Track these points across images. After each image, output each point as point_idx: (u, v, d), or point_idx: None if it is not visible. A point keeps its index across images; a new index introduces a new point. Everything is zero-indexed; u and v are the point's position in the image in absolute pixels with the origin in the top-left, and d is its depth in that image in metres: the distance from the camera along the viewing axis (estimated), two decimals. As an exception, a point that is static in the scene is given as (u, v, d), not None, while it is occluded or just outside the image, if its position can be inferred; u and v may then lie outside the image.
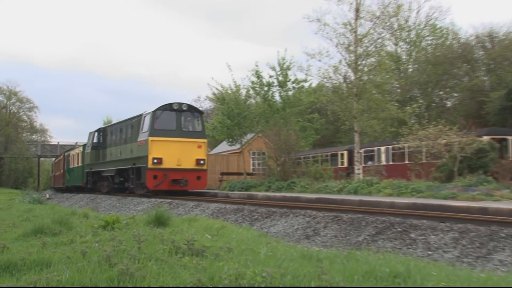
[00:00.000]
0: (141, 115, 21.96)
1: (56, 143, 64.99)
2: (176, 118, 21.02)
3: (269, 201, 16.93)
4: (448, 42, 41.80)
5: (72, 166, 36.41)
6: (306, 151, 35.56)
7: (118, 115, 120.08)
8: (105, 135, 27.45)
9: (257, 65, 33.83)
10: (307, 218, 12.15)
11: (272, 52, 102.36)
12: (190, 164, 20.86)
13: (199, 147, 21.16)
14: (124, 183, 24.23)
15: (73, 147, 42.21)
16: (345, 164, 33.96)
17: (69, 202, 29.44)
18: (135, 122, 22.68)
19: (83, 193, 31.41)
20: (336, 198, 15.70)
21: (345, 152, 34.45)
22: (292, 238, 11.14)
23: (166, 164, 20.43)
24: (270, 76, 33.53)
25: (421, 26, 43.67)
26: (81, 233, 8.26)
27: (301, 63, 45.28)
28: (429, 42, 43.65)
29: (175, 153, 20.58)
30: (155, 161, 20.22)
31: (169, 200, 19.11)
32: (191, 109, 21.85)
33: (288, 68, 33.20)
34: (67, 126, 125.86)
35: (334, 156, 35.54)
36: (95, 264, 5.20)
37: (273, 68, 33.45)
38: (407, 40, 43.55)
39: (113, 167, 24.78)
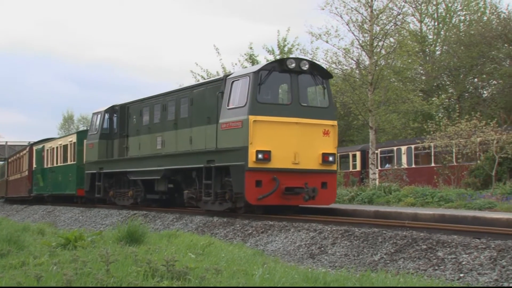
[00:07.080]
0: (220, 80, 16.90)
1: (4, 143, 64.80)
2: (292, 84, 15.55)
3: (265, 214, 16.95)
4: (485, 18, 41.89)
5: (49, 166, 32.37)
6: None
7: (85, 109, 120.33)
8: (125, 117, 22.11)
9: (251, 48, 34.03)
10: (311, 233, 12.19)
11: (270, 33, 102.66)
12: (312, 161, 15.54)
13: (326, 133, 15.76)
14: (174, 193, 19.60)
15: (49, 138, 37.31)
16: (358, 168, 34.06)
17: (20, 215, 29.45)
18: (201, 94, 17.58)
19: (50, 205, 31.26)
20: (346, 208, 15.74)
21: (358, 153, 34.55)
22: (293, 257, 11.19)
23: (276, 163, 15.12)
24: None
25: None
26: (36, 253, 8.27)
27: (305, 46, 45.43)
28: (462, 18, 43.79)
29: (290, 144, 15.28)
30: (260, 156, 14.91)
31: (144, 212, 19.12)
32: (314, 70, 15.98)
33: (290, 52, 33.31)
34: (17, 123, 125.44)
35: (345, 157, 35.63)
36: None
37: (272, 51, 33.58)
38: (435, 15, 43.69)
39: (155, 167, 19.37)
